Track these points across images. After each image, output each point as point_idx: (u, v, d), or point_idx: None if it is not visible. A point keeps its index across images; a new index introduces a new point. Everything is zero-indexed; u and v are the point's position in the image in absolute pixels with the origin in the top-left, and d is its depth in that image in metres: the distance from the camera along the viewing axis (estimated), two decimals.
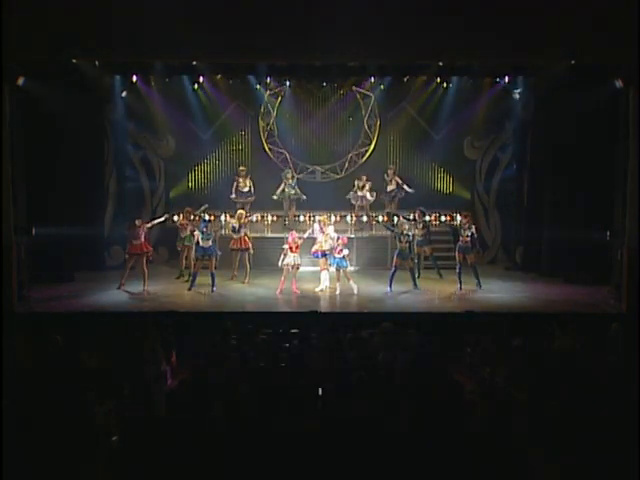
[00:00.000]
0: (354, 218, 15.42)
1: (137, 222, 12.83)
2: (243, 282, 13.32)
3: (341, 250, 12.35)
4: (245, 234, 13.46)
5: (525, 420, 6.51)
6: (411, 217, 13.67)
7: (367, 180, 15.11)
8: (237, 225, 13.35)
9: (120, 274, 12.93)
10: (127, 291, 12.69)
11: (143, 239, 12.74)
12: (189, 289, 12.68)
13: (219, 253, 12.97)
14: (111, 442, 5.70)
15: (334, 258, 12.42)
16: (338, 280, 12.50)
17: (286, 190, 15.15)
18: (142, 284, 12.71)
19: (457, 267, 12.82)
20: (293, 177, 15.26)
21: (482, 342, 8.90)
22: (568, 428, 6.00)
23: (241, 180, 14.92)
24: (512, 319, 9.63)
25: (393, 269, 12.68)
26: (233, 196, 14.91)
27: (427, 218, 14.19)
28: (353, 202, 15.29)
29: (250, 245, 13.52)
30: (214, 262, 12.71)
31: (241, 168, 15.11)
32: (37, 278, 12.52)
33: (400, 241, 12.69)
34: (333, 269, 12.63)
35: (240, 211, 13.60)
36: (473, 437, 5.27)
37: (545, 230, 14.41)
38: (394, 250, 13.19)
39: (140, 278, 12.81)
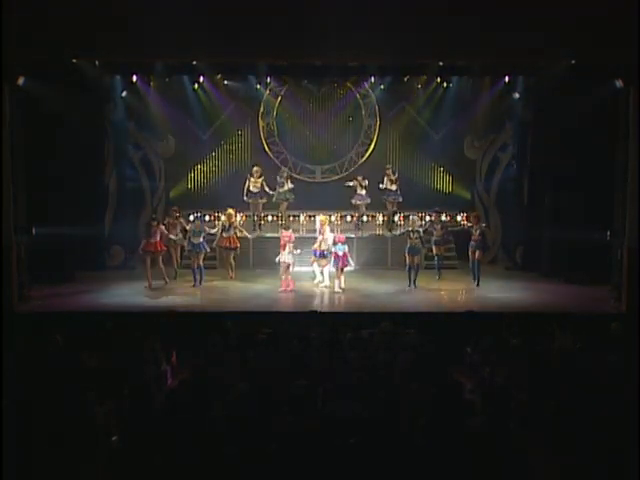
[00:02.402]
0: (354, 219, 15.43)
1: (154, 223, 12.99)
2: (230, 278, 13.53)
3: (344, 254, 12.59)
4: (235, 233, 13.55)
5: (525, 420, 6.51)
6: (428, 218, 14.01)
7: (363, 179, 15.10)
8: (227, 224, 13.45)
9: (144, 276, 12.92)
10: (127, 291, 12.72)
11: (158, 238, 12.88)
12: (198, 284, 13.00)
13: (208, 250, 13.16)
14: (111, 442, 5.70)
15: (338, 258, 12.57)
16: (338, 278, 12.62)
17: (282, 190, 15.04)
18: (145, 281, 12.87)
19: (470, 263, 13.16)
20: (289, 177, 15.18)
21: (482, 342, 8.90)
22: (568, 428, 6.00)
23: (253, 180, 14.85)
24: (512, 319, 9.62)
25: (408, 267, 12.94)
26: (245, 198, 14.81)
27: (443, 218, 14.20)
28: (358, 202, 15.23)
29: (238, 244, 13.64)
30: (201, 257, 13.02)
31: (255, 168, 14.93)
32: (37, 278, 12.51)
33: (410, 238, 12.94)
34: (332, 268, 12.81)
35: (229, 210, 13.62)
36: (473, 437, 5.27)
37: (545, 230, 14.41)
38: (394, 250, 13.56)
39: (141, 277, 13.01)
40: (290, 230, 13.20)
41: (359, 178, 15.04)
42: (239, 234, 13.69)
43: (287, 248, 12.68)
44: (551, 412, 6.38)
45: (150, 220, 13.35)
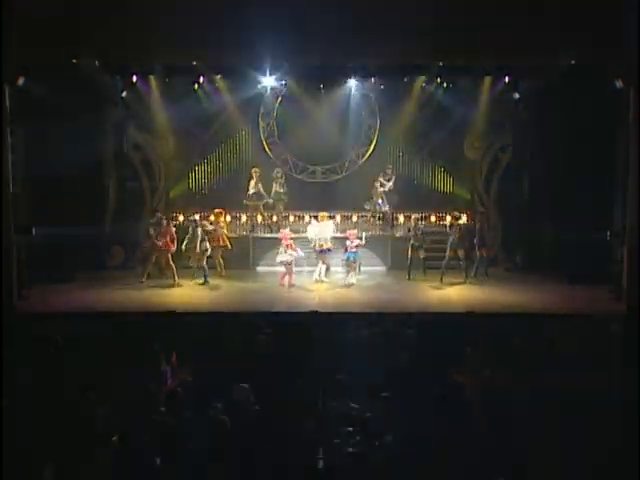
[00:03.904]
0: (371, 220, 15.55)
1: (164, 222, 13.36)
2: (221, 275, 13.66)
3: (357, 246, 13.07)
4: (223, 232, 13.69)
5: (525, 420, 6.51)
6: (449, 218, 14.43)
7: (381, 185, 15.02)
8: (217, 223, 13.59)
9: (142, 270, 13.41)
10: (127, 291, 12.74)
11: (168, 238, 13.16)
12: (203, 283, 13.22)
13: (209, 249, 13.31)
14: (111, 442, 5.70)
15: (348, 251, 13.06)
16: (353, 270, 13.05)
17: (278, 190, 15.01)
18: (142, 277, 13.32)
19: (477, 261, 13.66)
20: (282, 176, 15.15)
21: (482, 342, 8.90)
22: (568, 428, 6.00)
23: (252, 182, 14.85)
24: (512, 319, 9.63)
25: (409, 260, 13.66)
26: (246, 200, 14.92)
27: (462, 221, 14.19)
28: (369, 208, 15.29)
29: (227, 243, 13.76)
30: (204, 258, 13.26)
31: (254, 169, 14.99)
32: (37, 278, 12.51)
33: (415, 234, 13.59)
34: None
35: (217, 211, 13.71)
36: (473, 437, 5.27)
37: (545, 230, 14.41)
38: (394, 250, 14.11)
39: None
40: (288, 229, 13.45)
41: (381, 179, 14.99)
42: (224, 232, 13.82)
43: (288, 247, 12.93)
44: (551, 412, 6.38)
45: (159, 219, 13.52)
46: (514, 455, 5.19)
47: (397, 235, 14.93)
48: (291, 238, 13.14)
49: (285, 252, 12.98)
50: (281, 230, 13.60)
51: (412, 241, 13.65)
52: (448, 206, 15.73)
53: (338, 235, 13.80)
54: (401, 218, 15.27)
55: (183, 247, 13.24)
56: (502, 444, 5.20)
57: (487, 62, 13.11)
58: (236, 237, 14.57)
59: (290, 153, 16.29)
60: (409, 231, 13.89)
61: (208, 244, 13.27)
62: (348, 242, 13.11)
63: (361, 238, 13.16)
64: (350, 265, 13.10)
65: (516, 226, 15.24)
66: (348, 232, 13.35)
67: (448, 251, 13.48)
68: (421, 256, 13.61)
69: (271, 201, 15.06)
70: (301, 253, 13.26)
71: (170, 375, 8.25)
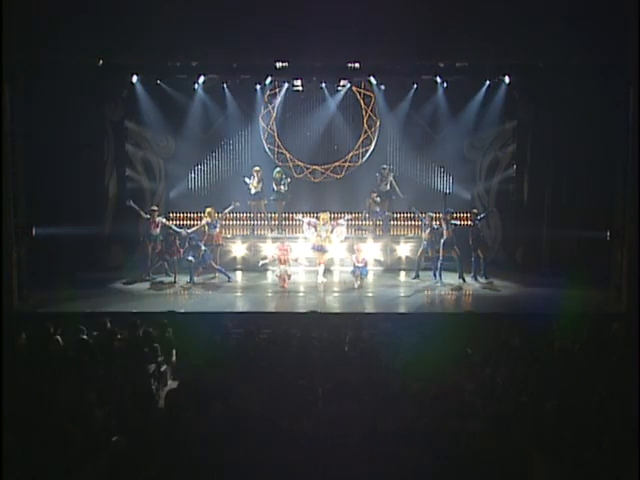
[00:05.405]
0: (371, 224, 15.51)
1: (155, 214, 13.56)
2: (215, 275, 13.67)
3: (364, 260, 12.92)
4: (220, 231, 13.80)
5: (525, 420, 6.51)
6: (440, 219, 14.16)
7: (377, 196, 15.02)
8: (211, 222, 13.61)
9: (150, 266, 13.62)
10: (127, 291, 12.74)
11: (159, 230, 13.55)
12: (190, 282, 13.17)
13: (207, 261, 13.34)
14: (111, 442, 5.70)
15: (356, 267, 12.87)
16: (356, 280, 12.88)
17: (279, 189, 15.02)
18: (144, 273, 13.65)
19: (474, 260, 13.60)
20: (283, 175, 15.11)
21: (482, 342, 8.90)
22: (568, 428, 6.00)
23: (254, 182, 14.86)
24: (512, 319, 9.62)
25: (418, 260, 13.71)
26: (249, 200, 14.99)
27: (457, 222, 14.23)
28: (373, 219, 15.31)
29: (221, 242, 13.89)
30: (209, 263, 13.33)
31: (255, 169, 15.01)
32: (37, 278, 12.51)
33: (423, 231, 13.51)
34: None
35: (208, 209, 13.72)
36: (473, 437, 5.27)
37: (545, 230, 14.41)
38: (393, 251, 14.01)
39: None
40: (287, 243, 13.30)
41: (373, 195, 14.99)
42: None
43: (282, 263, 12.81)
44: (551, 412, 6.37)
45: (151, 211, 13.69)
46: (514, 456, 5.19)
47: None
48: (286, 261, 12.84)
49: (278, 267, 12.84)
50: (278, 243, 13.41)
51: (422, 240, 13.55)
52: (447, 206, 15.74)
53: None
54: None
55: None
56: (501, 444, 5.19)
57: (487, 62, 13.12)
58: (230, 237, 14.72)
59: (290, 153, 16.30)
60: (429, 230, 13.50)
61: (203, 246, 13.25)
62: (354, 256, 12.96)
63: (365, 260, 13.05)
64: (356, 275, 12.92)
65: (516, 226, 15.26)
66: (356, 246, 13.18)
67: (441, 251, 13.48)
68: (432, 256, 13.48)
69: (266, 201, 15.06)
70: (301, 262, 13.39)
71: (170, 375, 8.27)
